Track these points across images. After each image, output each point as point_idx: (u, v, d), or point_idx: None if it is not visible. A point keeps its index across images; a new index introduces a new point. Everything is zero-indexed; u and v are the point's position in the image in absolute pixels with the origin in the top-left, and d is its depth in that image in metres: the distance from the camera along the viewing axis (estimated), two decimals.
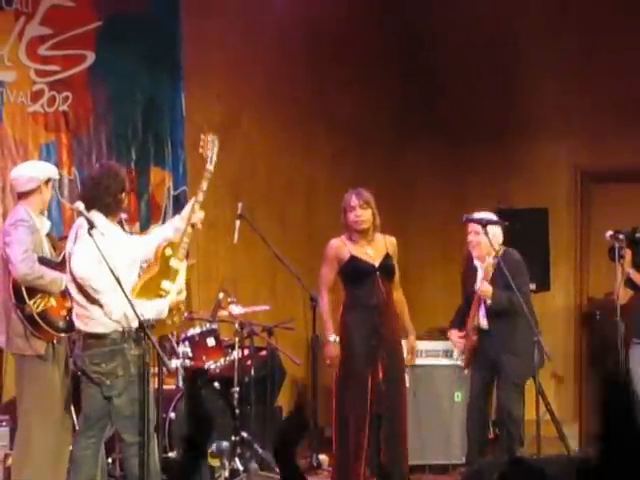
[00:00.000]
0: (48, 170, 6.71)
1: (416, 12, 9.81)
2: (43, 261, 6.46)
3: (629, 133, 9.48)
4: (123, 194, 6.10)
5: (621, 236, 8.14)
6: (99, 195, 6.03)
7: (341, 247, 6.99)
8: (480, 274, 7.41)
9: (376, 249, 7.00)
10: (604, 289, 9.30)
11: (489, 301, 7.31)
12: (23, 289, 6.37)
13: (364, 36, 9.80)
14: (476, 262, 7.49)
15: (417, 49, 9.85)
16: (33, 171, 6.65)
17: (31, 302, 6.35)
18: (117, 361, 5.92)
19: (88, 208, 5.98)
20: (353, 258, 6.95)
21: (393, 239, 7.11)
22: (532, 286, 8.92)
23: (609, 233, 8.19)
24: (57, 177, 6.79)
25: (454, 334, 7.55)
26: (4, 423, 7.23)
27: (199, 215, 6.39)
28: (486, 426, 7.56)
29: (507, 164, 9.82)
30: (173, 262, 6.18)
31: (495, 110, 9.78)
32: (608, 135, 9.53)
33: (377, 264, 6.96)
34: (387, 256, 7.02)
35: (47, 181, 6.60)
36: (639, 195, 9.51)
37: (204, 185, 6.42)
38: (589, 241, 9.62)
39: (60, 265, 6.38)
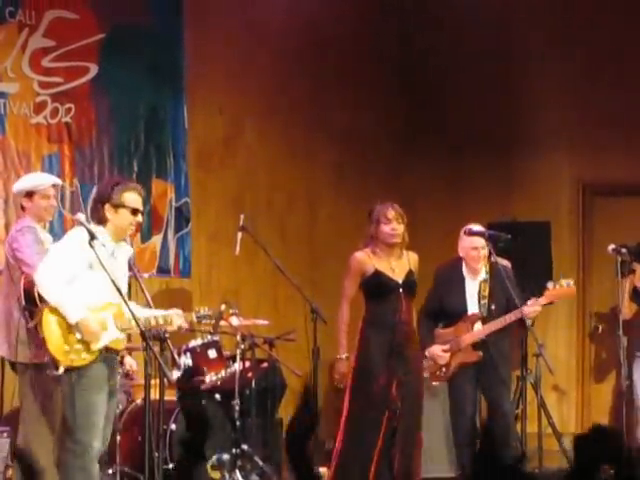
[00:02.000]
0: (25, 184, 6.74)
1: (419, 25, 9.84)
2: None
3: (631, 147, 9.50)
4: (105, 206, 6.05)
5: (624, 250, 8.15)
6: (92, 203, 6.20)
7: (365, 260, 6.88)
8: (473, 288, 7.39)
9: (400, 265, 6.90)
10: (606, 302, 9.30)
11: (529, 321, 7.33)
12: (36, 292, 6.34)
13: (366, 48, 9.83)
14: (468, 276, 7.45)
15: (419, 62, 9.87)
16: (14, 187, 6.85)
17: (41, 305, 6.33)
18: None
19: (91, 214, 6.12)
20: (377, 273, 6.84)
21: (415, 256, 7.01)
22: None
23: (611, 247, 8.20)
24: (40, 188, 6.66)
25: (438, 349, 7.40)
26: (5, 434, 7.23)
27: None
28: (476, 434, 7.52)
29: (509, 177, 9.83)
30: (109, 320, 6.02)
31: (497, 123, 9.80)
32: (610, 149, 9.55)
33: (401, 281, 6.87)
34: (410, 273, 6.93)
35: (29, 194, 6.65)
36: None
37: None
38: (591, 254, 9.63)
39: None
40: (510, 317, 7.29)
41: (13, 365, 6.68)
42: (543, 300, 7.39)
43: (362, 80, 9.77)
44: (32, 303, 6.34)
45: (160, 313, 6.24)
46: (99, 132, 8.55)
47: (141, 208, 6.12)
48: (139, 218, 6.12)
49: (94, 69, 8.53)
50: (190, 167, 9.01)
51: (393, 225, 6.84)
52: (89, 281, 5.96)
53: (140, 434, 7.11)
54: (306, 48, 9.54)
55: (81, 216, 6.40)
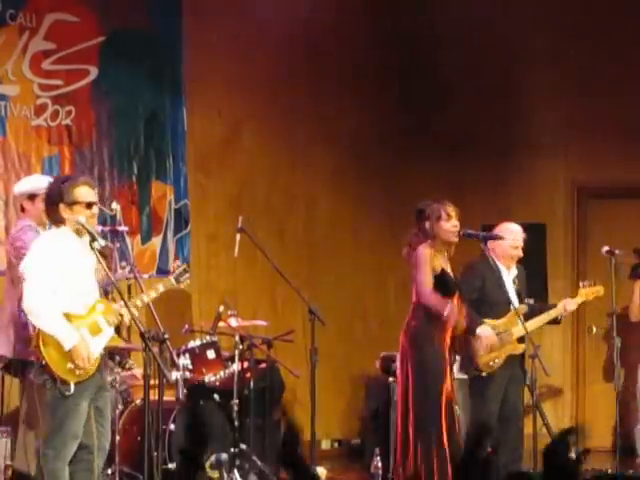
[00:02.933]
0: (28, 187, 6.72)
1: (417, 30, 9.87)
2: None
3: (626, 150, 9.55)
4: (60, 206, 5.99)
5: (617, 251, 8.22)
6: (45, 206, 6.19)
7: (434, 256, 6.71)
8: (509, 281, 7.49)
9: (448, 266, 6.85)
10: (601, 304, 9.35)
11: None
12: None
13: (364, 52, 9.86)
14: (505, 271, 7.51)
15: (417, 67, 9.91)
16: (15, 188, 6.85)
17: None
18: None
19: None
20: (444, 272, 6.74)
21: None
22: (530, 301, 9.01)
23: (606, 249, 8.26)
24: (42, 191, 6.53)
25: (490, 331, 7.38)
26: (5, 434, 7.28)
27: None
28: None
29: (505, 180, 9.88)
30: (101, 320, 6.07)
31: (494, 126, 9.84)
32: (605, 152, 9.60)
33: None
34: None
35: (31, 197, 6.65)
36: (635, 211, 9.59)
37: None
38: (586, 256, 9.68)
39: None
40: (551, 314, 7.47)
41: (7, 367, 6.71)
42: (579, 299, 7.68)
43: (361, 82, 9.81)
44: None
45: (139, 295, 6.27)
46: (99, 134, 8.60)
47: (95, 200, 6.05)
48: (95, 210, 6.05)
49: (94, 72, 8.58)
50: (189, 169, 9.06)
51: (454, 222, 6.77)
52: (69, 286, 5.94)
53: (139, 434, 7.16)
54: (305, 52, 9.58)
55: (81, 218, 6.44)
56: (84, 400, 5.95)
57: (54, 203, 6.02)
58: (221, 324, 7.89)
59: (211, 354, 7.80)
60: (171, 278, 6.50)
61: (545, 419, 8.56)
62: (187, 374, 7.66)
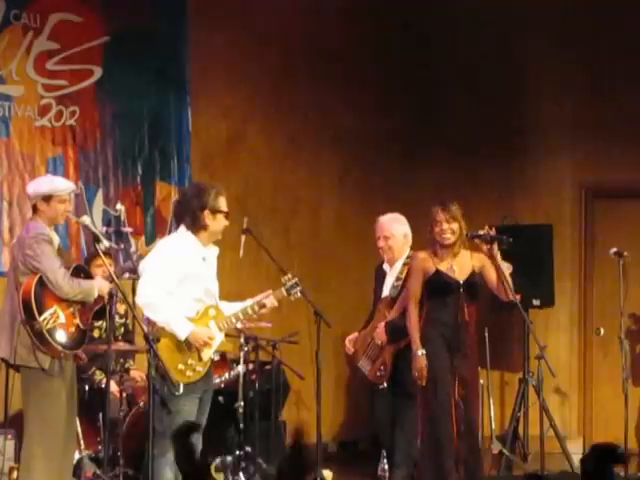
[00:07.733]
0: (44, 188, 6.50)
1: (421, 30, 9.85)
2: None
3: (633, 150, 9.52)
4: (204, 212, 6.21)
5: (625, 253, 8.19)
6: (182, 211, 6.33)
7: (427, 260, 6.86)
8: (390, 279, 7.47)
9: (461, 265, 6.86)
10: (608, 305, 9.32)
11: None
12: (34, 305, 6.28)
13: (370, 53, 9.84)
14: (385, 266, 7.55)
15: (422, 67, 9.89)
16: (30, 188, 6.62)
17: (41, 319, 6.27)
18: None
19: (177, 222, 6.37)
20: (439, 272, 6.83)
21: (481, 255, 6.94)
22: (536, 302, 8.98)
23: (613, 250, 8.23)
24: (61, 193, 6.49)
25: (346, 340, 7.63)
26: (10, 436, 7.25)
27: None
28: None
29: (512, 181, 9.85)
30: (212, 325, 6.31)
31: (500, 127, 9.81)
32: (612, 152, 9.57)
33: (462, 280, 6.85)
34: (473, 274, 6.90)
35: (46, 198, 6.45)
36: None
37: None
38: (593, 257, 9.64)
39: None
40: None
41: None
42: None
43: (366, 83, 9.79)
44: (31, 316, 6.32)
45: (250, 302, 6.56)
46: (103, 135, 8.60)
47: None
48: (227, 221, 6.33)
49: (98, 72, 8.58)
50: (194, 170, 9.05)
51: (443, 227, 6.84)
52: (185, 290, 6.09)
53: (144, 437, 7.12)
54: (311, 53, 9.56)
55: (86, 219, 6.45)
56: (191, 402, 6.08)
57: (201, 209, 6.21)
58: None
59: (216, 356, 7.76)
60: (282, 289, 6.64)
61: (552, 421, 8.55)
62: None
